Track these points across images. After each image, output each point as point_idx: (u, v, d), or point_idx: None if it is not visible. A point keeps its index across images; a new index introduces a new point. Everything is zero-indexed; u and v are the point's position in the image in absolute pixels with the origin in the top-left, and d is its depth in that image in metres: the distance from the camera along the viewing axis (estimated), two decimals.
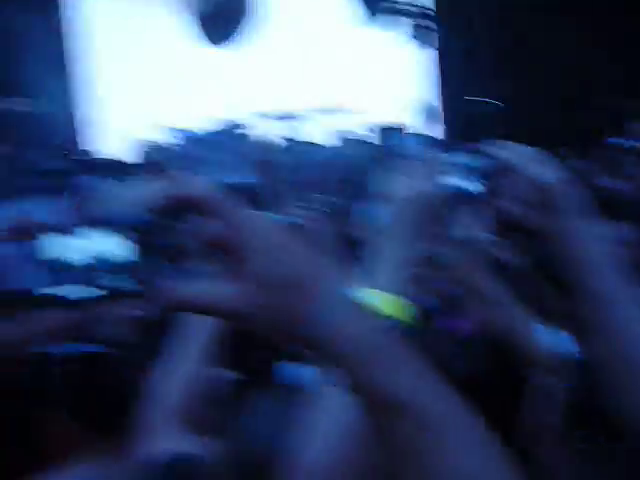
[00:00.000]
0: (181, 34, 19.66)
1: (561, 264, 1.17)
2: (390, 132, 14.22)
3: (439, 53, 16.66)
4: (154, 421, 1.58)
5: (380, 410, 0.70)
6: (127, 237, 0.64)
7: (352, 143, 14.93)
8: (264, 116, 16.98)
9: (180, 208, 0.72)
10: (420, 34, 15.80)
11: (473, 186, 1.19)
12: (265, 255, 0.72)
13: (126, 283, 0.65)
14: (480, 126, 12.42)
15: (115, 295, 0.65)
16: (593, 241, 1.16)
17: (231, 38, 19.43)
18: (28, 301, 1.96)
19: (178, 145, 18.88)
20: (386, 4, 15.38)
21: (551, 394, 2.03)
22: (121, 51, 20.26)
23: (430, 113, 15.68)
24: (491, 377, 2.08)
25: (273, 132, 17.47)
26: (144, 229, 0.68)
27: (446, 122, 15.62)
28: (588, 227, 1.17)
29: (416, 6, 15.72)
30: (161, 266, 0.66)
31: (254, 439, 1.58)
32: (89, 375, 1.82)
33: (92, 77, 21.29)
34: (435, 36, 16.15)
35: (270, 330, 0.73)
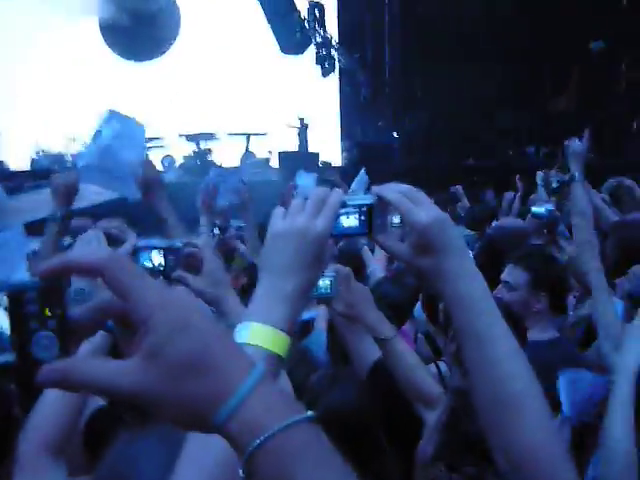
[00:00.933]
0: (96, 46, 19.46)
1: (441, 301, 1.21)
2: (288, 157, 14.41)
3: (340, 82, 17.09)
4: (26, 453, 1.52)
5: None
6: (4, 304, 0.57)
7: (250, 166, 15.14)
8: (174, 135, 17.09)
9: (76, 273, 0.65)
10: (323, 62, 16.24)
11: (355, 222, 1.19)
12: (170, 330, 0.63)
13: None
14: (375, 155, 12.84)
15: None
16: (470, 280, 1.14)
17: (145, 54, 19.31)
18: None
19: (68, 154, 18.67)
20: (297, 33, 15.72)
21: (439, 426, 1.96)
22: (31, 61, 19.75)
23: (302, 129, 16.03)
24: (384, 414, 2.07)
25: (177, 151, 17.50)
26: (25, 297, 0.61)
27: (345, 149, 16.06)
28: (466, 266, 1.15)
29: (321, 35, 16.15)
30: (43, 337, 0.55)
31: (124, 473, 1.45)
32: None
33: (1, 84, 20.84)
34: (336, 64, 16.62)
35: (167, 415, 0.65)
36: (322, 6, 16.23)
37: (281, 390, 0.70)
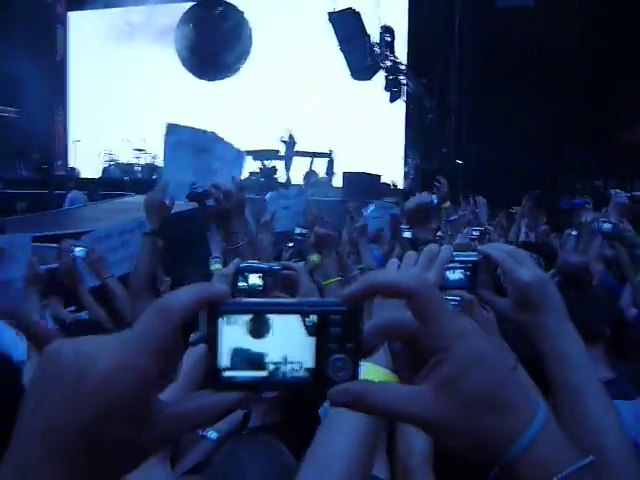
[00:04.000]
0: (169, 65, 20.15)
1: (540, 358, 1.21)
2: (351, 178, 14.53)
3: (407, 107, 17.29)
4: None
5: None
6: None
7: (312, 185, 15.42)
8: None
9: (383, 295, 0.66)
10: (392, 87, 16.43)
11: (460, 276, 1.29)
12: (467, 362, 0.63)
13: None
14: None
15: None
16: (567, 337, 1.19)
17: (217, 73, 19.90)
18: None
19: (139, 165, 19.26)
20: (367, 58, 15.94)
21: None
22: (107, 76, 20.64)
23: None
24: None
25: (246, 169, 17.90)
26: (330, 319, 0.66)
27: (409, 173, 16.15)
28: (564, 325, 1.20)
29: (391, 60, 16.33)
30: (339, 360, 0.64)
31: None
32: None
33: (80, 99, 21.72)
34: (405, 90, 16.82)
35: (455, 444, 0.65)
36: (393, 31, 16.41)
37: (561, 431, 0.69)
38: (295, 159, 17.49)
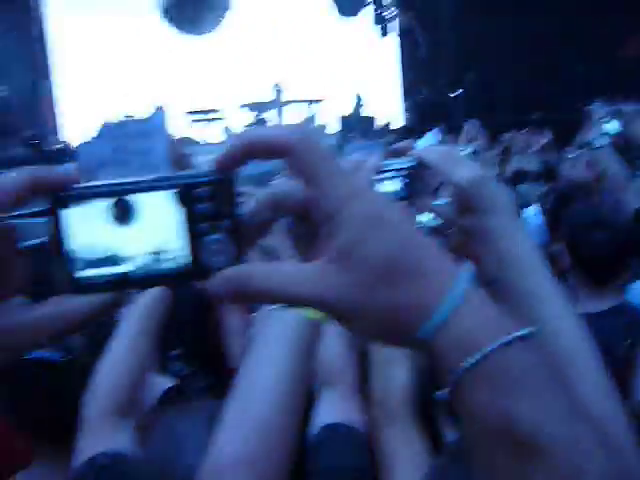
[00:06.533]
0: (151, 22, 19.72)
1: (488, 263, 1.12)
2: (350, 120, 14.23)
3: (400, 41, 16.68)
4: (91, 417, 1.51)
5: (508, 448, 0.52)
6: None
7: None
8: (234, 106, 17.26)
9: (259, 155, 0.55)
10: (382, 22, 15.90)
11: (395, 186, 1.18)
12: (364, 227, 0.53)
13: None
14: (437, 112, 12.52)
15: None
16: (515, 239, 1.11)
17: (200, 27, 19.42)
18: None
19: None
20: None
21: None
22: (89, 40, 20.22)
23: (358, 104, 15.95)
24: None
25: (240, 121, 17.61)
26: (195, 193, 0.54)
27: (406, 108, 15.77)
28: (510, 225, 1.12)
29: None
30: (215, 241, 0.53)
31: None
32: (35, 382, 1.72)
33: (64, 69, 21.43)
34: (396, 24, 16.28)
35: (359, 326, 0.55)
36: None
37: (492, 300, 0.56)
38: (290, 107, 17.13)
